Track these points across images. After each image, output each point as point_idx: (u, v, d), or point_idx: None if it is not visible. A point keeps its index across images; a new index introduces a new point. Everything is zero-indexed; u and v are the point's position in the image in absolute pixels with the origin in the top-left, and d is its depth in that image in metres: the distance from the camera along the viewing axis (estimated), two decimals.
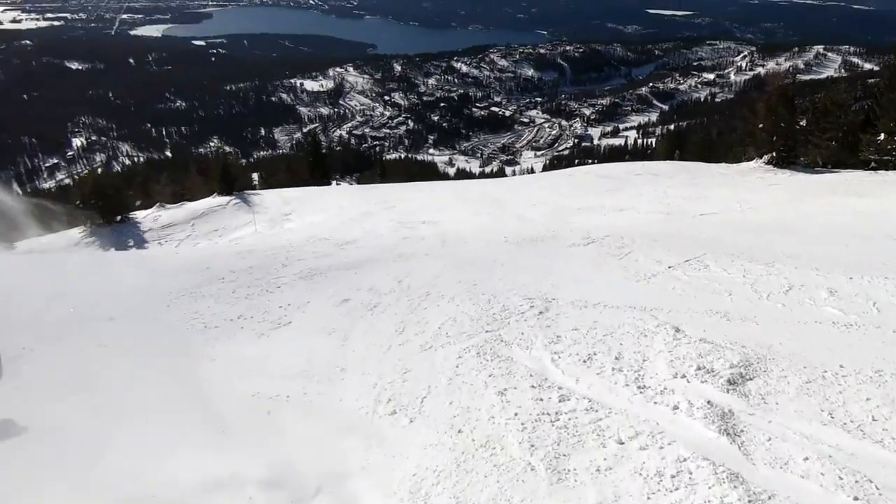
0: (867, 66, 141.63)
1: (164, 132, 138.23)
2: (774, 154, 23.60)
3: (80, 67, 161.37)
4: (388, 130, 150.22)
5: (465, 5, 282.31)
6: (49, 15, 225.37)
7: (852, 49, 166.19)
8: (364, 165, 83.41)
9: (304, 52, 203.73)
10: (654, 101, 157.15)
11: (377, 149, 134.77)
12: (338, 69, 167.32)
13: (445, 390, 5.96)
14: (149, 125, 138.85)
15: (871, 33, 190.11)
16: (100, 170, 77.83)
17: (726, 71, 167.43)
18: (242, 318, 8.26)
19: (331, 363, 6.66)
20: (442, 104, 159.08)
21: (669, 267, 9.03)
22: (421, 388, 6.11)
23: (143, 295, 9.82)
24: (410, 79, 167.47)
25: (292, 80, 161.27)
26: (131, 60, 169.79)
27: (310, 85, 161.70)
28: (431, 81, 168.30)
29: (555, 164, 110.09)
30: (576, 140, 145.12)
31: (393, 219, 19.28)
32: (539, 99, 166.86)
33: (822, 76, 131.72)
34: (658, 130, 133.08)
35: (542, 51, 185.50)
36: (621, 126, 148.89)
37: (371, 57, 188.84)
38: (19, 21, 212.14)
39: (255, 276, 10.49)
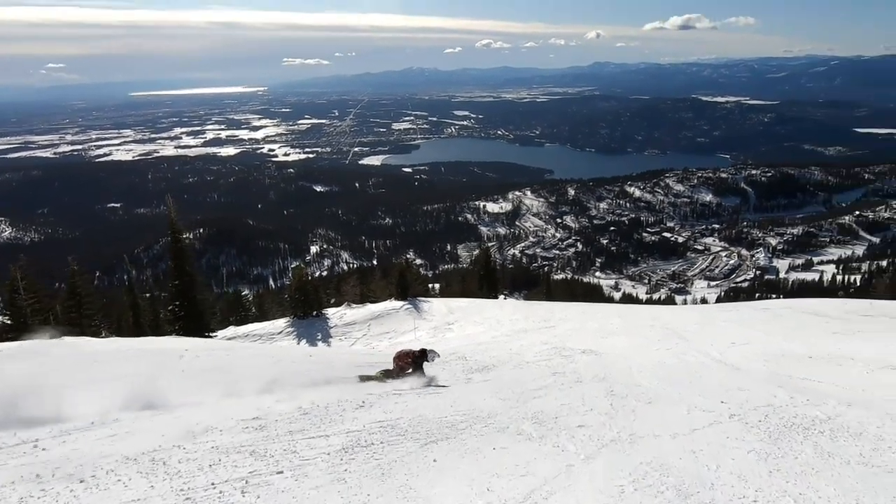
0: None
1: (374, 244, 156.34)
2: None
3: (322, 190, 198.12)
4: (557, 251, 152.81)
5: (642, 131, 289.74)
6: (308, 149, 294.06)
7: None
8: (532, 283, 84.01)
9: (489, 178, 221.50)
10: (861, 233, 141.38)
11: (546, 268, 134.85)
12: (516, 192, 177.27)
13: None
14: (363, 237, 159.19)
15: None
16: (325, 273, 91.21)
17: None
18: None
19: None
20: (612, 228, 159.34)
21: None
22: None
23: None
24: (583, 202, 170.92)
25: (477, 202, 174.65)
26: (357, 184, 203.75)
27: (491, 207, 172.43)
28: (603, 205, 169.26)
29: (731, 296, 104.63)
30: (757, 272, 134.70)
31: (548, 342, 16.15)
32: (717, 226, 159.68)
33: None
34: (865, 266, 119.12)
35: (723, 175, 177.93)
36: (815, 259, 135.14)
37: (547, 181, 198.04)
38: (288, 155, 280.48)
39: (304, 422, 7.17)
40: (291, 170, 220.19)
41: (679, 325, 18.72)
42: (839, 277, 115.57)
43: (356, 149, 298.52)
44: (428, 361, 10.66)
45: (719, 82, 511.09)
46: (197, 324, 25.46)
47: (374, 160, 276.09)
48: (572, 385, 10.09)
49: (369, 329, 25.48)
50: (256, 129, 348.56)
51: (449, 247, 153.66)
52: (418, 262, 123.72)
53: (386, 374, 10.57)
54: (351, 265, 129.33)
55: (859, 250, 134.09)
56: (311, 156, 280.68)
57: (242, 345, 20.35)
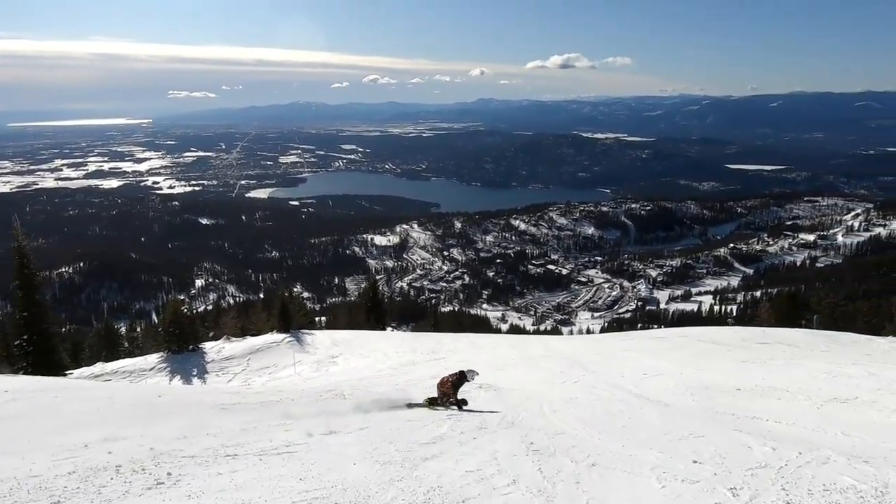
0: None
1: (260, 277, 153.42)
2: None
3: (208, 223, 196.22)
4: (444, 284, 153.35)
5: (525, 166, 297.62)
6: (193, 182, 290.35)
7: None
8: (420, 316, 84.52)
9: (376, 211, 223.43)
10: (736, 264, 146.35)
11: (433, 300, 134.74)
12: (404, 226, 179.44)
13: None
14: (250, 271, 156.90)
15: None
16: (210, 307, 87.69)
17: (832, 231, 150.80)
18: None
19: None
20: (498, 260, 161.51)
21: None
22: None
23: None
24: (469, 235, 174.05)
25: (364, 235, 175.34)
26: (243, 217, 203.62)
27: (379, 240, 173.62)
28: (489, 238, 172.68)
29: (614, 326, 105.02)
30: (639, 303, 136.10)
31: (438, 375, 13.04)
32: (599, 258, 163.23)
33: None
34: (740, 297, 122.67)
35: (604, 208, 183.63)
36: (694, 290, 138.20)
37: (434, 215, 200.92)
38: (173, 187, 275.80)
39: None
40: (176, 202, 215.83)
41: (577, 355, 17.69)
42: (717, 308, 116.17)
43: (243, 182, 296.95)
44: (468, 381, 10.80)
45: (599, 119, 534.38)
46: (47, 360, 23.06)
47: (262, 193, 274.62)
48: (475, 434, 7.81)
49: (248, 363, 24.36)
50: (141, 161, 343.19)
51: (337, 280, 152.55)
52: (306, 295, 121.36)
53: (431, 402, 10.81)
54: (238, 299, 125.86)
55: (734, 281, 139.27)
56: (196, 188, 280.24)
57: (83, 385, 16.75)
